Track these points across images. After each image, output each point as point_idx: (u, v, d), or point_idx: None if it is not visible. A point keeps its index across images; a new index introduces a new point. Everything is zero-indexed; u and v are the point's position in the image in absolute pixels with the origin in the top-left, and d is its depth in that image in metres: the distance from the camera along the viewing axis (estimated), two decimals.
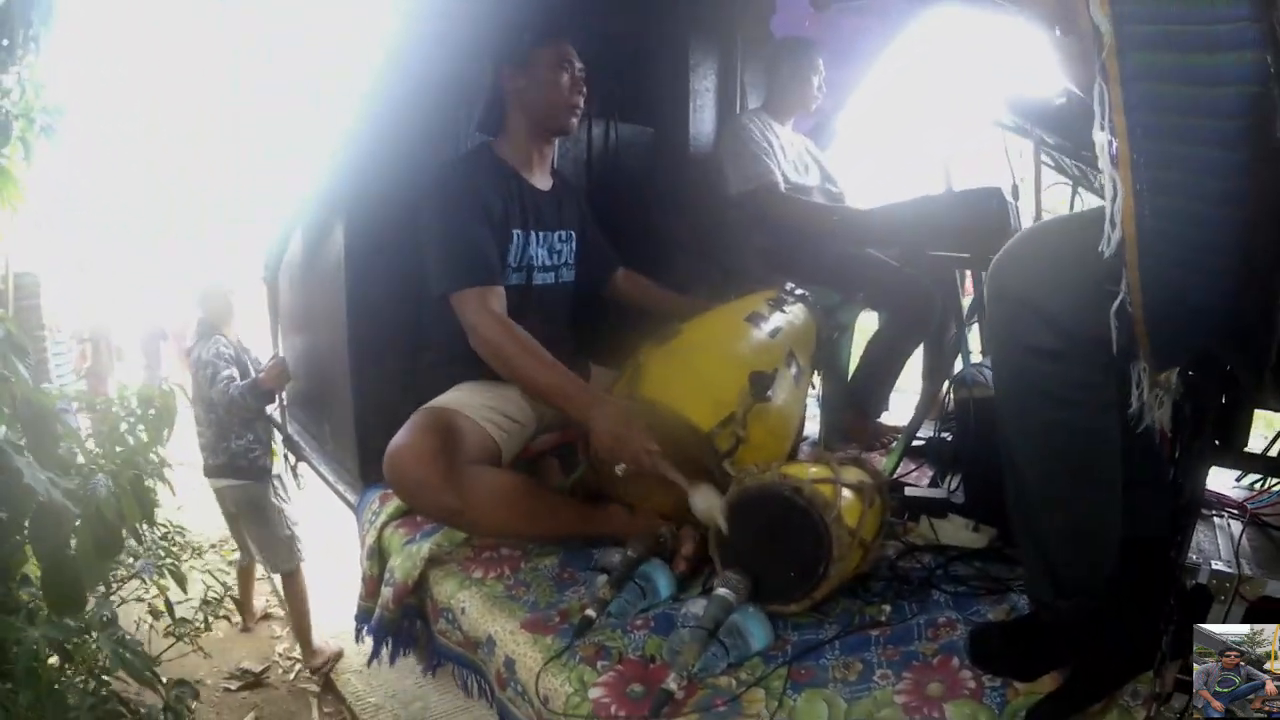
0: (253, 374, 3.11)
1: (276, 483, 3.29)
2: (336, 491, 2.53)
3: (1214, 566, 1.34)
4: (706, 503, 1.60)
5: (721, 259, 2.94)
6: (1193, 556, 1.41)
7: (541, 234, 2.06)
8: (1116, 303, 0.92)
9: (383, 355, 2.14)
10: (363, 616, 2.02)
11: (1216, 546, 1.59)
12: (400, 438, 1.71)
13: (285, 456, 3.13)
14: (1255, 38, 0.73)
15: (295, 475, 3.16)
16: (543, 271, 2.09)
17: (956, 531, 1.95)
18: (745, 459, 1.69)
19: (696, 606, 1.45)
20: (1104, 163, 0.83)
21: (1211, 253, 0.83)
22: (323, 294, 2.48)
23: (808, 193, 2.77)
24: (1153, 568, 1.25)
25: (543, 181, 2.11)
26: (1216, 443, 1.33)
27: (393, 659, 1.98)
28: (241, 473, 3.12)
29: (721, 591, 1.44)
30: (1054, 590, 1.30)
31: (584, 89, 2.04)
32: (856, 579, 1.68)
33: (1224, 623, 1.33)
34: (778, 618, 1.53)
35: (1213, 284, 0.86)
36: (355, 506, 2.28)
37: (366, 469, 2.29)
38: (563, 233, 2.14)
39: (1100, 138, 0.83)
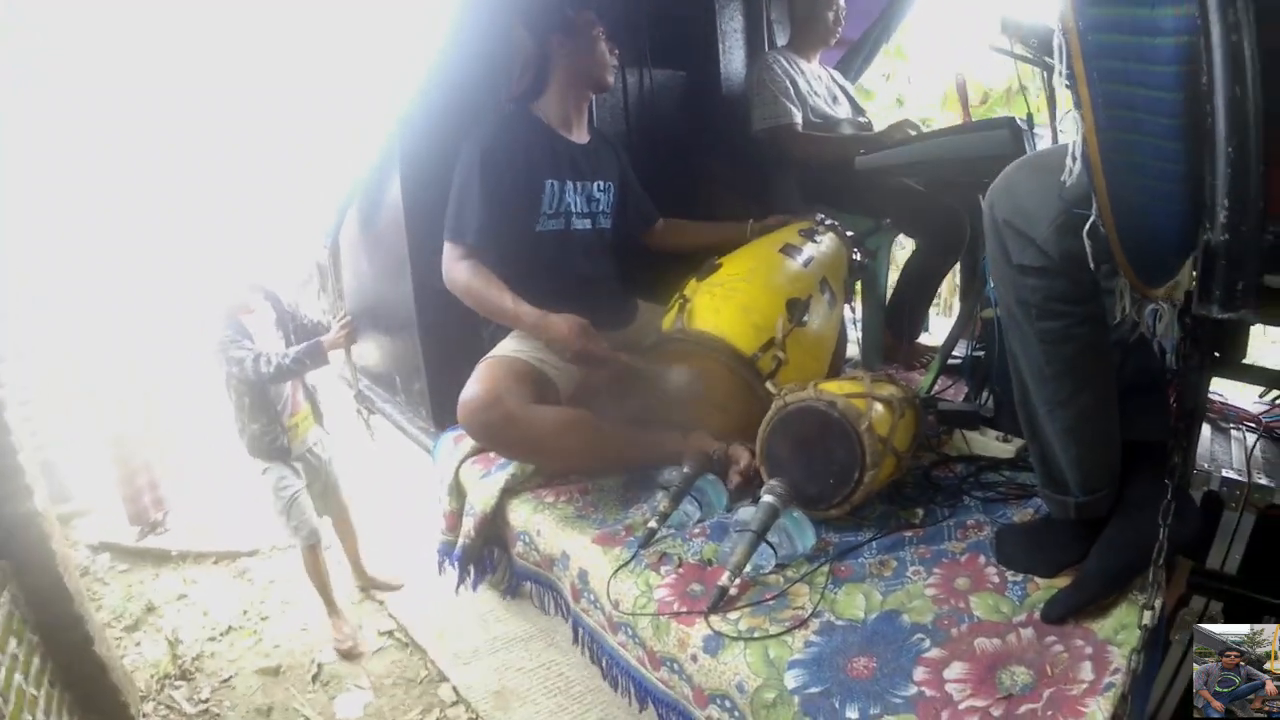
0: (294, 342, 3.20)
1: (304, 460, 3.32)
2: (411, 437, 2.73)
3: (1225, 474, 1.46)
4: (678, 379, 1.90)
5: (757, 192, 3.04)
6: (1204, 465, 1.51)
7: (579, 184, 2.21)
8: (1088, 224, 1.03)
9: (446, 306, 2.29)
10: (445, 549, 2.22)
11: (1230, 457, 1.64)
12: (469, 388, 1.90)
13: (358, 410, 3.30)
14: None
15: (368, 426, 3.35)
16: (580, 218, 2.24)
17: (987, 443, 2.09)
18: (786, 378, 1.85)
19: (746, 514, 1.61)
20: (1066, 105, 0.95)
21: (1165, 179, 0.93)
22: (385, 253, 2.64)
23: (837, 124, 2.85)
24: (1155, 470, 1.31)
25: (580, 136, 2.25)
26: (1215, 355, 1.38)
27: (475, 585, 2.18)
28: (263, 454, 3.16)
29: (768, 498, 1.59)
30: (1061, 489, 1.43)
31: (617, 51, 2.18)
32: (892, 486, 1.84)
33: (1235, 528, 1.48)
34: (820, 522, 1.70)
35: (1170, 207, 0.96)
36: (431, 450, 2.46)
37: (439, 414, 2.48)
38: (600, 183, 2.28)
39: (1062, 84, 0.94)
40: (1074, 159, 0.98)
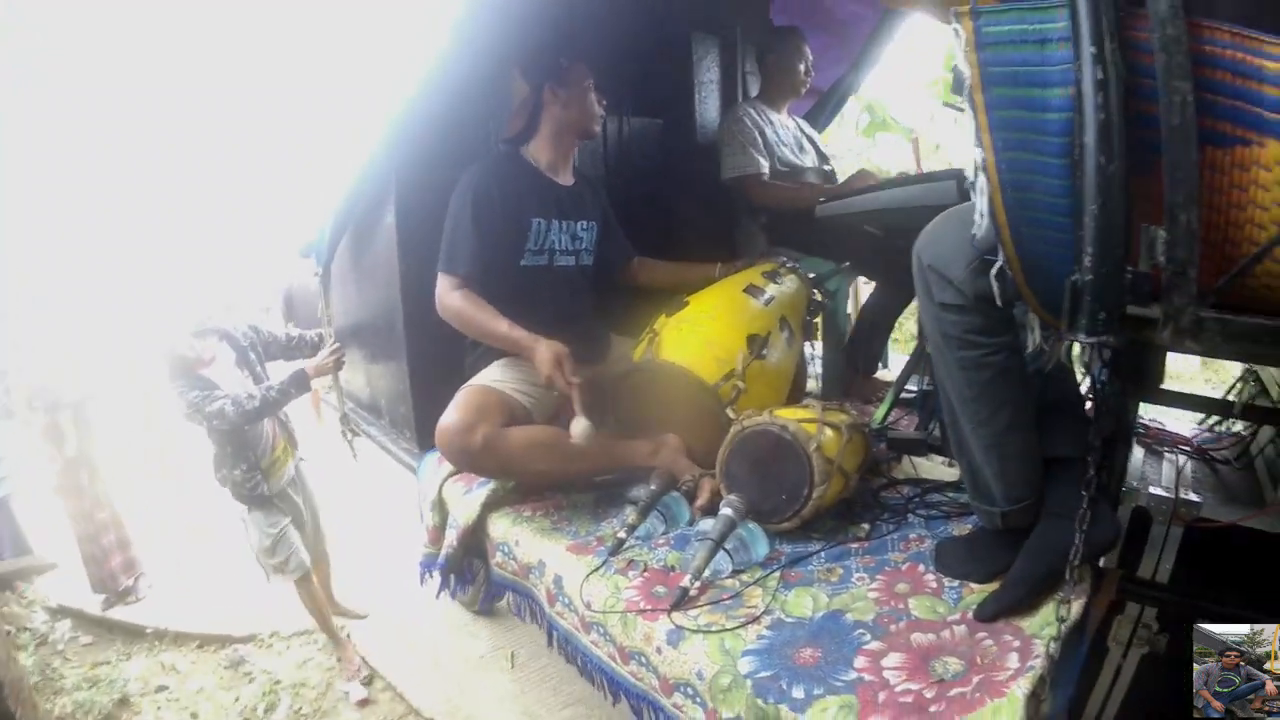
0: (265, 367, 3.17)
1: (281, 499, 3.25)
2: (396, 458, 2.88)
3: (1153, 491, 1.60)
4: (579, 428, 2.02)
5: (726, 235, 3.24)
6: (1134, 483, 1.66)
7: (564, 223, 2.39)
8: (995, 268, 1.23)
9: (433, 336, 2.44)
10: (427, 562, 2.37)
11: (1160, 476, 1.79)
12: (447, 415, 2.06)
13: (343, 432, 3.43)
14: (1073, 77, 1.02)
15: (351, 449, 3.48)
16: (564, 255, 2.42)
17: (933, 468, 2.28)
18: (745, 406, 2.04)
19: (706, 524, 1.81)
20: (975, 169, 1.15)
21: (1059, 230, 1.11)
22: (377, 282, 2.81)
23: (803, 173, 3.06)
24: (1073, 483, 1.46)
25: (566, 179, 2.44)
26: (1129, 379, 1.53)
27: (454, 594, 2.34)
28: (244, 499, 3.13)
29: (726, 511, 1.79)
30: (989, 501, 1.61)
31: (604, 101, 2.37)
32: (842, 504, 2.02)
33: (1165, 540, 1.61)
34: (774, 534, 1.89)
35: (1065, 252, 1.12)
36: (415, 469, 2.61)
37: (423, 435, 2.63)
38: (584, 222, 2.46)
39: (974, 151, 1.14)
40: (981, 215, 1.17)
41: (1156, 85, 0.94)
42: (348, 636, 3.39)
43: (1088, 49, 0.94)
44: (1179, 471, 1.75)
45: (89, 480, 3.87)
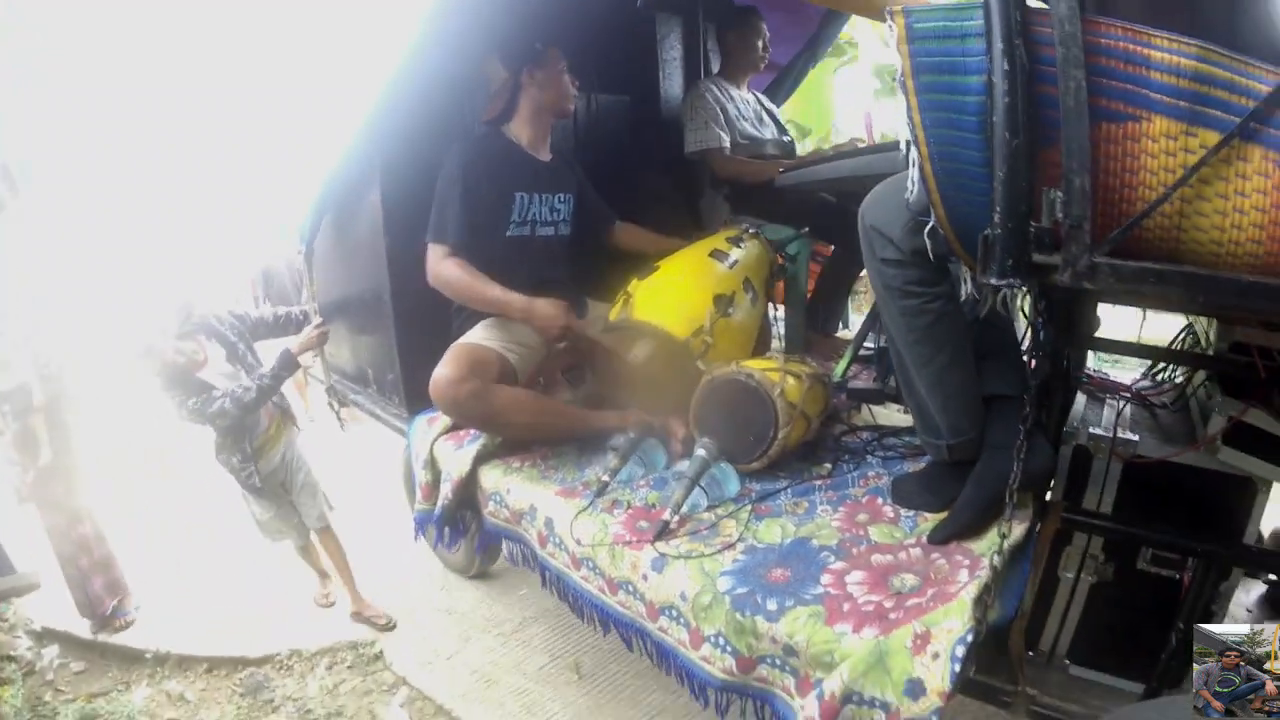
0: (254, 352, 3.23)
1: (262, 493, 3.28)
2: (384, 421, 3.04)
3: (1092, 431, 1.75)
4: (641, 352, 2.29)
5: (692, 204, 3.41)
6: (1075, 424, 1.80)
7: (544, 195, 2.55)
8: (928, 227, 1.42)
9: (418, 304, 2.61)
10: (421, 517, 2.52)
11: (1101, 418, 1.92)
12: (441, 368, 2.22)
13: (330, 404, 3.55)
14: (984, 66, 1.19)
15: (339, 419, 3.60)
16: (544, 225, 2.58)
17: (890, 415, 2.48)
18: (713, 359, 2.22)
19: (683, 465, 2.00)
20: (908, 144, 1.32)
21: (980, 194, 1.27)
22: (362, 257, 2.93)
23: (763, 145, 3.23)
24: (1012, 419, 1.64)
25: (544, 155, 2.59)
26: (1062, 325, 1.68)
27: (450, 545, 2.50)
28: (242, 484, 3.21)
29: (700, 452, 1.98)
30: (936, 435, 1.80)
31: (576, 81, 2.53)
32: (806, 447, 2.23)
33: (1105, 479, 1.75)
34: (744, 474, 2.08)
35: (985, 212, 1.29)
36: (405, 432, 2.77)
37: (412, 401, 2.79)
38: (562, 195, 2.62)
39: (906, 129, 1.32)
40: (913, 182, 1.36)
41: (1057, 73, 1.13)
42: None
43: (997, 44, 1.12)
44: (1119, 414, 1.89)
45: (65, 492, 3.45)
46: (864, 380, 2.71)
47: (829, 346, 3.26)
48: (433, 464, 2.48)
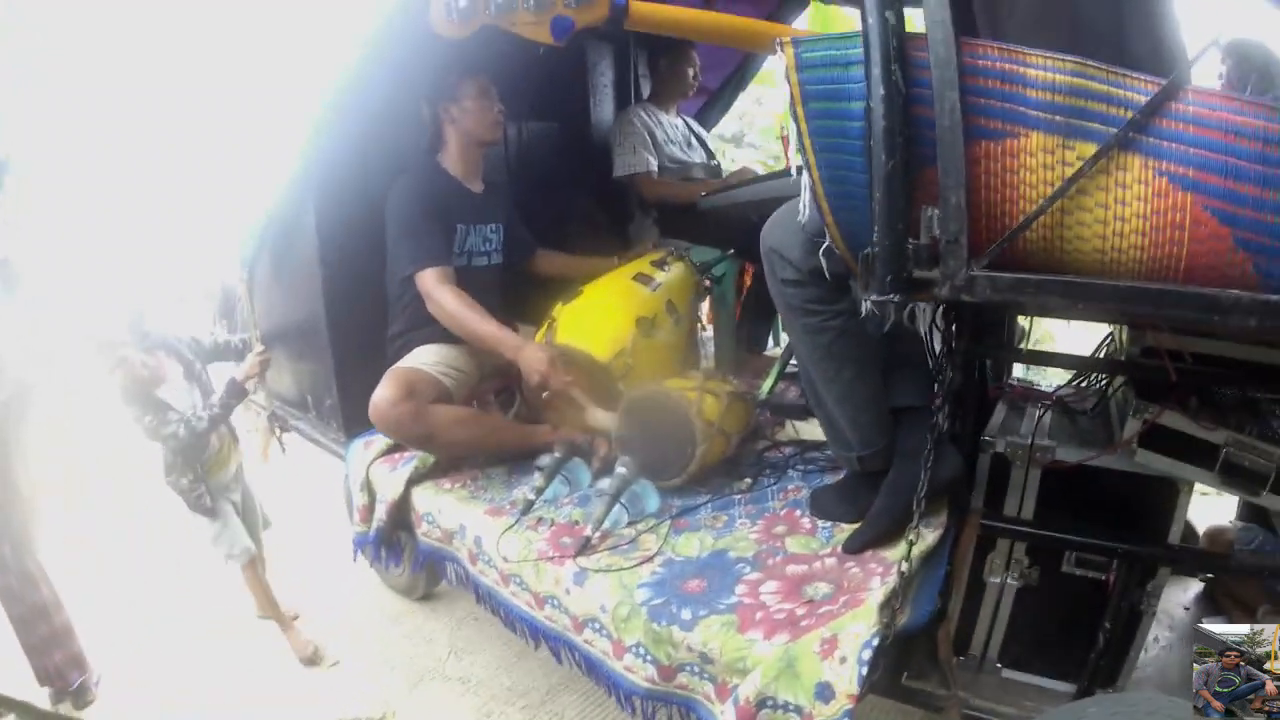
0: (208, 377, 3.21)
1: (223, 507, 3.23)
2: (324, 447, 3.09)
3: (1009, 439, 1.78)
4: (598, 419, 2.28)
5: (622, 226, 3.50)
6: (992, 433, 1.83)
7: (477, 226, 2.63)
8: (823, 248, 1.50)
9: (356, 330, 2.67)
10: (359, 540, 2.58)
11: (1020, 426, 1.93)
12: (380, 391, 2.29)
13: (271, 429, 3.57)
14: (864, 92, 1.25)
15: (280, 444, 3.62)
16: (479, 255, 2.66)
17: (813, 430, 2.57)
18: (636, 379, 2.31)
19: (604, 483, 2.08)
20: (800, 169, 1.41)
21: (868, 214, 1.34)
22: (299, 283, 2.95)
23: (690, 168, 3.34)
24: (920, 428, 1.73)
25: (476, 185, 2.67)
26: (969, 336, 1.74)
27: (387, 565, 2.56)
28: (191, 506, 3.14)
29: (621, 469, 2.07)
30: (847, 447, 1.88)
31: (501, 106, 2.59)
32: (727, 463, 2.32)
33: (1024, 485, 1.77)
34: (665, 491, 2.17)
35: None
36: (343, 456, 2.82)
37: (350, 424, 2.82)
38: (493, 225, 2.70)
39: (794, 155, 1.40)
40: (805, 205, 1.44)
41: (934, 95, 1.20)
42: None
43: (874, 69, 1.20)
44: (1038, 422, 1.91)
45: (11, 552, 2.89)
46: (792, 397, 2.82)
47: (758, 365, 3.36)
48: (369, 486, 2.53)
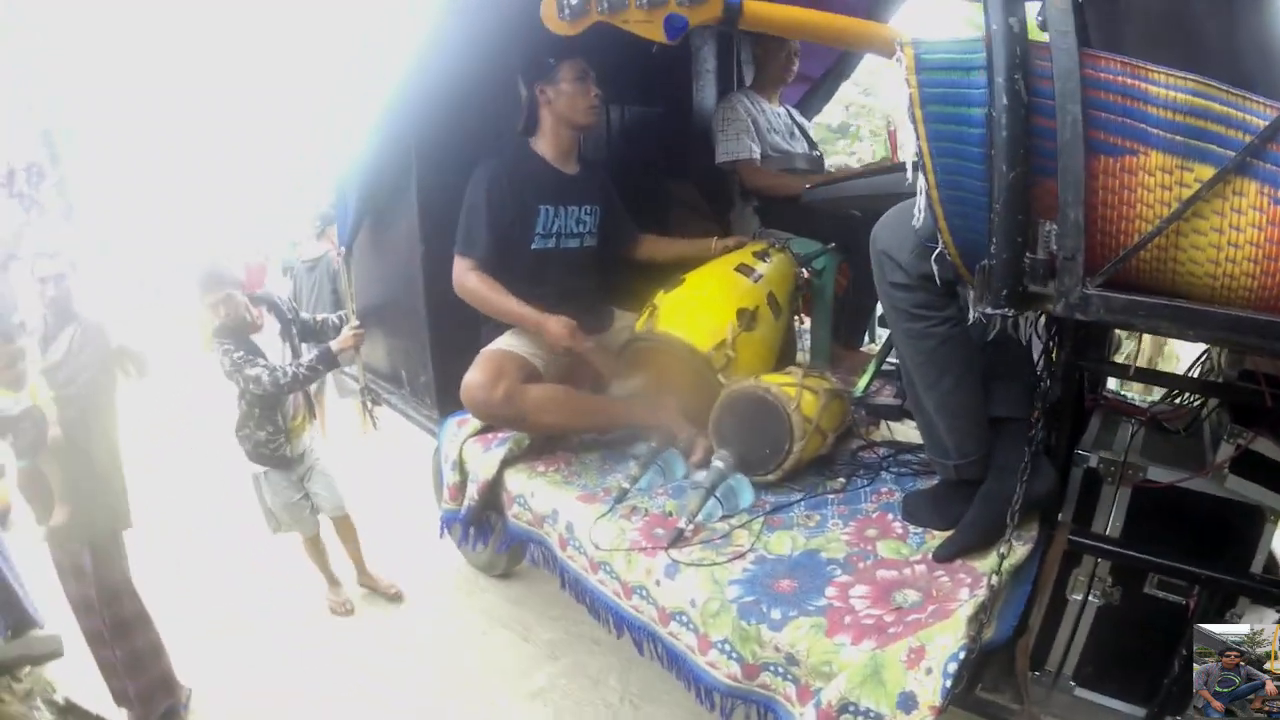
0: (298, 344, 3.36)
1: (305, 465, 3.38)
2: (415, 422, 3.14)
3: (1101, 454, 1.73)
4: (624, 389, 2.33)
5: (722, 215, 3.47)
6: (1086, 448, 1.78)
7: (569, 208, 2.62)
8: (935, 252, 1.45)
9: (451, 311, 2.67)
10: (448, 517, 2.61)
11: (1113, 442, 1.88)
12: (471, 374, 2.32)
13: (364, 403, 3.66)
14: (985, 98, 1.23)
15: (372, 419, 3.71)
16: (569, 238, 2.65)
17: (908, 432, 2.51)
18: (735, 372, 2.29)
19: (700, 476, 2.07)
20: (915, 170, 1.37)
21: (984, 221, 1.31)
22: (397, 263, 3.04)
23: (792, 159, 3.28)
24: (1018, 440, 1.67)
25: (570, 167, 2.66)
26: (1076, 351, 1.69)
27: (474, 546, 2.59)
28: (263, 460, 3.24)
29: (718, 463, 2.05)
30: (944, 455, 1.83)
31: (598, 91, 2.57)
32: (822, 461, 2.28)
33: (1114, 500, 1.73)
34: (760, 486, 2.14)
35: (988, 241, 1.37)
36: (435, 433, 2.86)
37: (444, 403, 2.88)
38: (588, 207, 2.68)
39: (906, 154, 1.36)
40: (920, 209, 1.40)
41: (1055, 106, 1.16)
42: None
43: (998, 78, 1.16)
44: (1132, 438, 1.86)
45: (92, 560, 2.63)
46: (885, 396, 2.75)
47: (853, 361, 3.29)
48: (461, 465, 2.56)
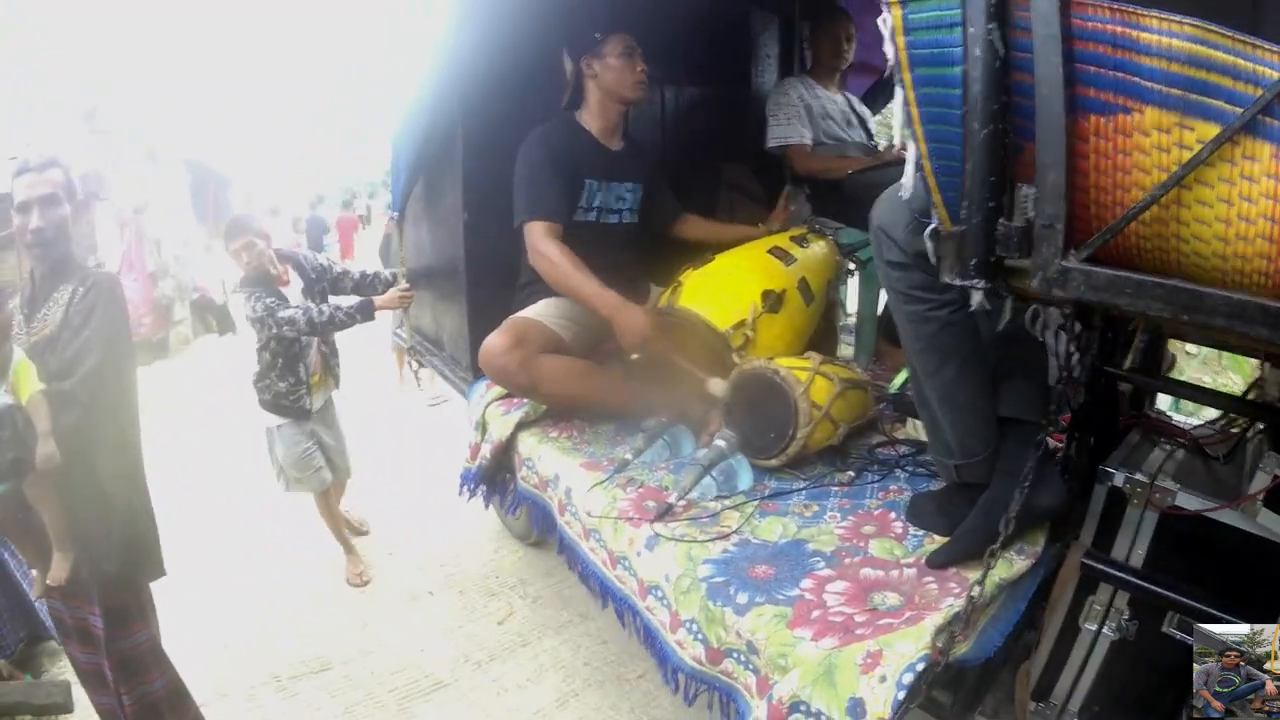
0: (326, 299, 3.36)
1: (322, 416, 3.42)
2: (451, 382, 3.20)
3: (1130, 475, 1.58)
4: (714, 387, 2.21)
5: (774, 203, 3.42)
6: (1114, 464, 1.63)
7: (611, 184, 2.62)
8: (929, 228, 1.35)
9: (491, 277, 2.74)
10: (466, 475, 2.63)
11: (1144, 461, 1.72)
12: (492, 337, 2.33)
13: (409, 363, 3.74)
14: (961, 56, 1.12)
15: (417, 378, 3.79)
16: (609, 213, 2.65)
17: None
18: (752, 354, 2.25)
19: (700, 453, 2.04)
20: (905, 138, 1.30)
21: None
22: (444, 229, 3.09)
23: (846, 147, 3.21)
24: (1027, 445, 1.53)
25: (615, 143, 2.65)
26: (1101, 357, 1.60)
27: (486, 501, 2.64)
28: (281, 411, 3.26)
29: (719, 442, 2.02)
30: (947, 454, 1.74)
31: (644, 66, 2.55)
32: (833, 452, 2.21)
33: (1138, 526, 1.57)
34: (764, 471, 2.10)
35: None
36: (466, 394, 2.91)
37: (476, 366, 2.90)
38: (630, 184, 2.68)
39: (901, 123, 1.29)
40: (908, 178, 1.32)
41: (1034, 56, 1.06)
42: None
43: (970, 29, 1.07)
44: (1166, 459, 1.70)
45: (106, 624, 1.99)
46: None
47: (897, 358, 3.22)
48: (483, 426, 2.59)
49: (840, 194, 3.03)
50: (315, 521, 3.58)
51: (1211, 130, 0.96)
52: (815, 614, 1.52)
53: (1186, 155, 0.98)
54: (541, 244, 2.39)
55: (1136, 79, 1.01)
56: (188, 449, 5.28)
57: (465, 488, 2.65)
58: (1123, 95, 1.03)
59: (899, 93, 1.25)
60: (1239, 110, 0.93)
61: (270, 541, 3.86)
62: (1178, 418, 2.28)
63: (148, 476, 2.12)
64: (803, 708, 1.37)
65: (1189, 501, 1.52)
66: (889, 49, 1.21)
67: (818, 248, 2.66)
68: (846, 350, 3.28)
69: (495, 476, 2.54)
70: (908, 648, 1.35)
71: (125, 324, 2.00)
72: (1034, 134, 1.08)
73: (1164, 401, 2.56)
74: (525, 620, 3.11)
